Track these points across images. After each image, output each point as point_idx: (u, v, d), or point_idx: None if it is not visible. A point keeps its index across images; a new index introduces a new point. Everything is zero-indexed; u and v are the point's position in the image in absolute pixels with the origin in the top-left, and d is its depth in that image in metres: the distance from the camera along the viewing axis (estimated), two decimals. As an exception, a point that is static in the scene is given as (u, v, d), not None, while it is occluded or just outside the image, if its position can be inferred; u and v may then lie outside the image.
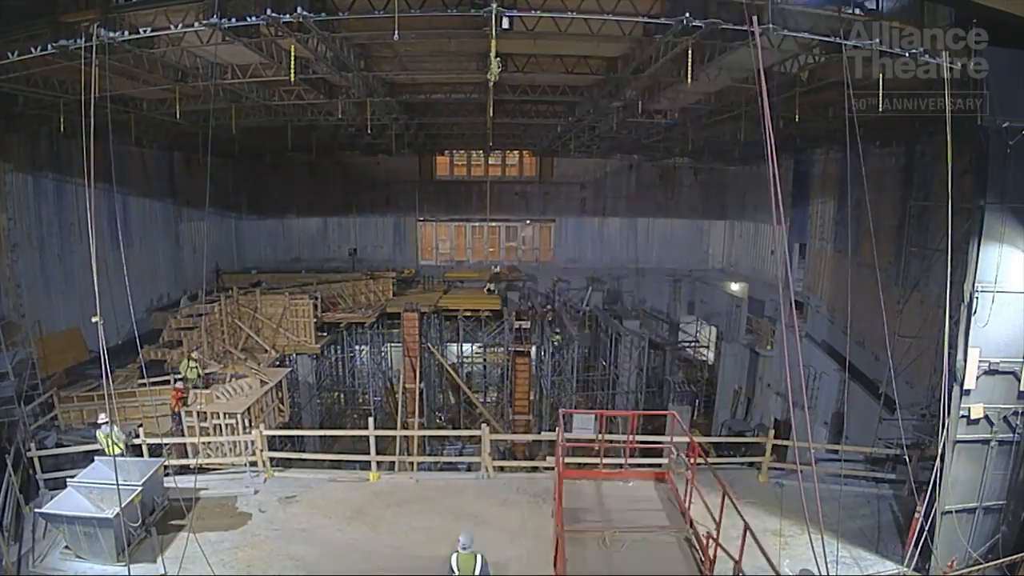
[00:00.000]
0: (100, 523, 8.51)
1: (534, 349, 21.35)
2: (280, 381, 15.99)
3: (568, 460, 10.20)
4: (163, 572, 8.68)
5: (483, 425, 12.27)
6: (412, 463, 13.26)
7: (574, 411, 12.97)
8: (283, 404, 16.18)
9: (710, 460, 11.45)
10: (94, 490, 9.17)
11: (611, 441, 11.40)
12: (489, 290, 24.17)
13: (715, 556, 7.42)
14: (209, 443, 13.07)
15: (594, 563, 7.79)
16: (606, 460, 10.60)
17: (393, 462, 13.69)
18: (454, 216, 28.38)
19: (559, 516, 7.96)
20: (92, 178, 8.12)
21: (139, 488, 9.03)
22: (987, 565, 8.74)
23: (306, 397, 20.06)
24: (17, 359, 12.85)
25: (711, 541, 7.48)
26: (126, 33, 8.39)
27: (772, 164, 6.00)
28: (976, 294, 8.43)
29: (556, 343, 22.50)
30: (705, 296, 27.21)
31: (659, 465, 10.62)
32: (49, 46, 8.50)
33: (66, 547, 8.94)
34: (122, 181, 18.17)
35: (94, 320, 7.88)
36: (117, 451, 10.00)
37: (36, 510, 9.27)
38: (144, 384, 13.10)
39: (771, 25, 7.74)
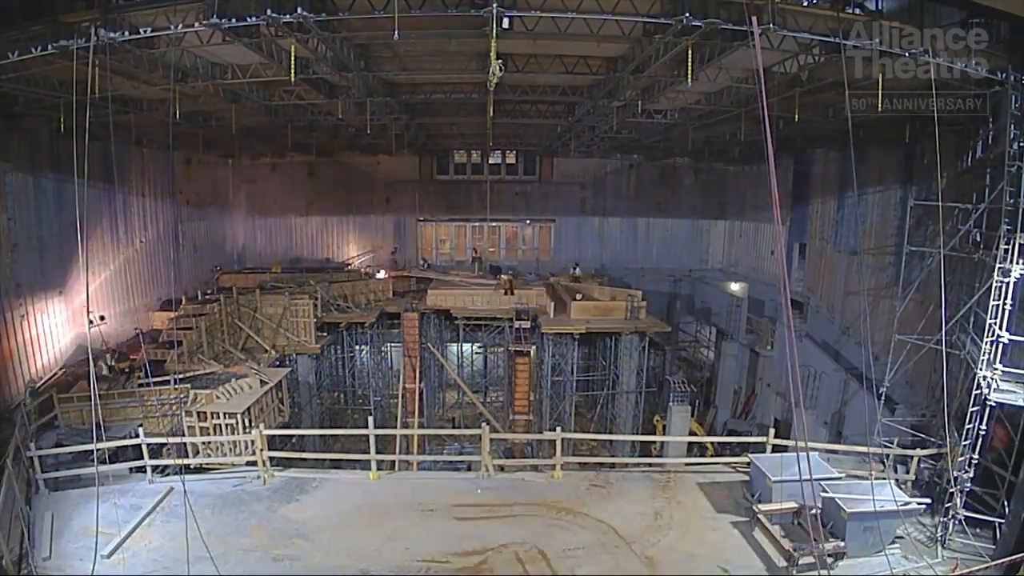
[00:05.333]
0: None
1: (534, 349, 21.31)
2: (280, 381, 15.97)
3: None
4: (159, 571, 8.68)
5: (483, 424, 12.28)
6: (412, 462, 13.25)
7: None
8: (283, 404, 16.16)
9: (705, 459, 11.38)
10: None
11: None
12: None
13: None
14: (209, 443, 13.07)
15: None
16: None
17: (393, 461, 13.69)
18: (454, 216, 28.39)
19: None
20: (86, 176, 8.13)
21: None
22: (987, 565, 8.73)
23: (306, 397, 20.04)
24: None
25: None
26: (126, 33, 8.42)
27: (772, 164, 6.01)
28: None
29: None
30: (705, 296, 27.20)
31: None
32: (49, 46, 8.52)
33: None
34: (122, 181, 18.18)
35: (85, 305, 7.91)
36: None
37: None
38: (145, 384, 13.10)
39: (771, 25, 7.74)
